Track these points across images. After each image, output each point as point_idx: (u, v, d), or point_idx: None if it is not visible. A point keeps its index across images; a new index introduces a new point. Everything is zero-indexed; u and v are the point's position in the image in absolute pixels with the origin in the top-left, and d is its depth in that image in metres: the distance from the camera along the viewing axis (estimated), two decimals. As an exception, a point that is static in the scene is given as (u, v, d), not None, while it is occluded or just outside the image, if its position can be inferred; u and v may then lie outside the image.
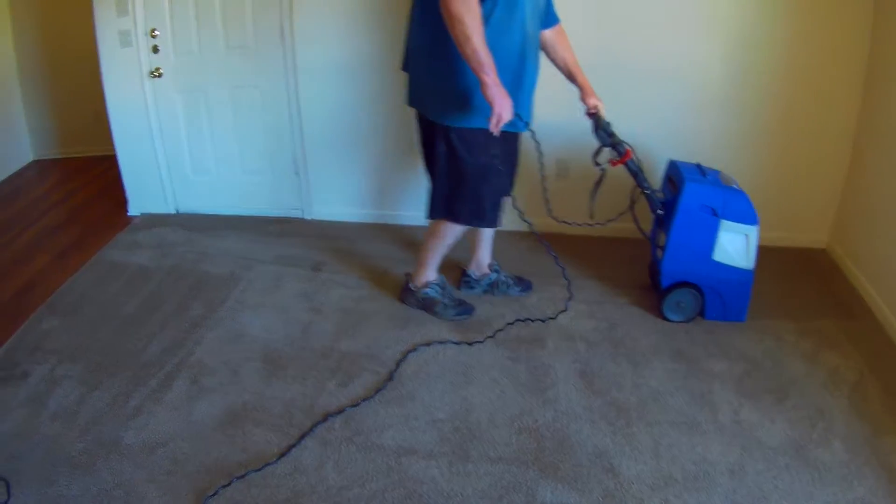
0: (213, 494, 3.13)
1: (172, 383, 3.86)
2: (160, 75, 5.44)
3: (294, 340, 4.25)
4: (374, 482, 3.21)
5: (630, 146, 4.16)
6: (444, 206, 3.98)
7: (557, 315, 4.40)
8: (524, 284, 4.73)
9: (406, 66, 3.91)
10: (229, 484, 3.19)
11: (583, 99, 4.07)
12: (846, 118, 4.99)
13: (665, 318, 4.48)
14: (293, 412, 3.65)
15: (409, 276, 4.55)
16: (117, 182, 5.95)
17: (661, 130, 5.18)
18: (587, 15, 4.90)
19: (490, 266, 4.67)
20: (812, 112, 5.01)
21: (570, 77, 4.07)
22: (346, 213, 5.86)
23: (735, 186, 4.24)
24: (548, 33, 3.92)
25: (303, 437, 3.47)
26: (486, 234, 4.53)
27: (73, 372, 3.95)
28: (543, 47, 3.98)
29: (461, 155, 3.74)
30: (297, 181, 5.75)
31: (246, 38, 5.30)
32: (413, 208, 5.62)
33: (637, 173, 4.21)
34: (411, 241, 5.47)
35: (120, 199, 6.01)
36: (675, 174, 4.39)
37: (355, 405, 3.70)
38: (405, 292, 4.58)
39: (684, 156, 5.02)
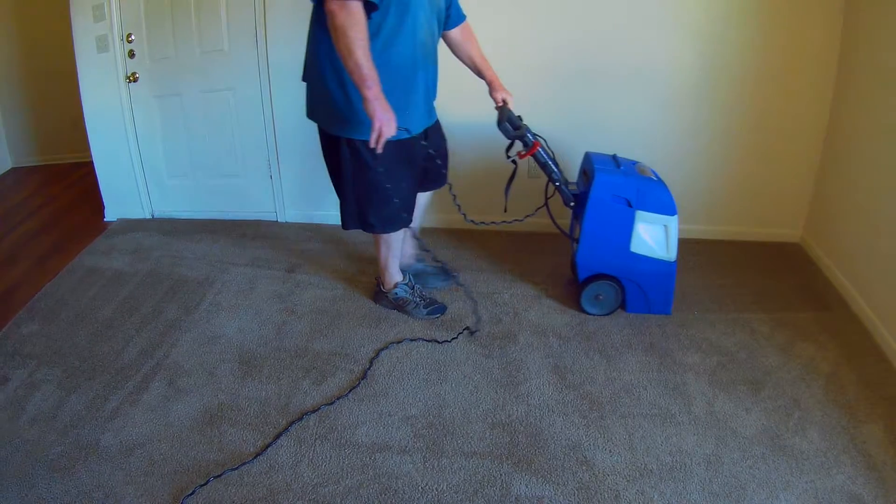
0: (191, 494, 3.14)
1: (149, 385, 3.87)
2: (136, 80, 5.45)
3: (269, 341, 4.26)
4: (349, 478, 3.22)
5: (540, 138, 4.21)
6: (356, 217, 4.00)
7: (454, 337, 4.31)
8: (448, 275, 4.74)
9: (304, 77, 3.85)
10: (206, 483, 3.19)
11: (491, 93, 4.09)
12: (818, 114, 5.02)
13: (584, 312, 4.49)
14: (268, 411, 3.66)
15: (378, 279, 4.57)
16: (95, 188, 5.95)
17: (633, 129, 5.22)
18: (563, 15, 4.94)
19: (415, 257, 4.75)
20: (784, 109, 5.05)
21: (478, 73, 4.09)
22: (319, 216, 5.87)
23: (653, 177, 4.25)
24: (453, 32, 3.95)
25: (278, 435, 3.48)
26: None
27: (51, 376, 3.95)
28: (449, 46, 4.03)
29: (362, 165, 3.74)
30: (270, 184, 5.76)
31: (221, 42, 5.30)
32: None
33: (545, 165, 4.20)
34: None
35: (97, 205, 6.01)
36: (588, 166, 4.36)
37: (329, 403, 3.71)
38: (377, 294, 4.61)
39: (658, 154, 5.08)
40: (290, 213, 5.88)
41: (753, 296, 4.70)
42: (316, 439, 3.46)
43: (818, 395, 3.75)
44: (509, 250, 5.38)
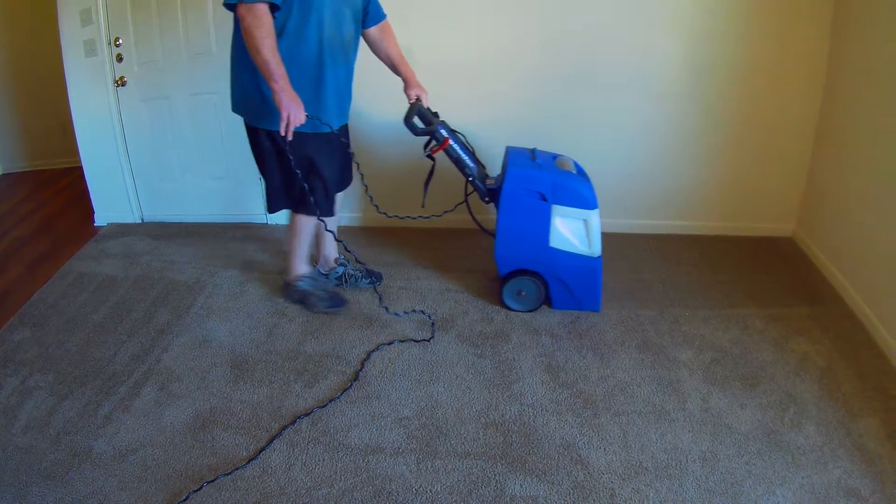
0: (185, 500, 3.12)
1: (141, 390, 3.85)
2: (124, 84, 5.43)
3: (260, 344, 4.25)
4: (343, 481, 3.21)
5: (460, 135, 4.30)
6: (281, 199, 4.20)
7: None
8: (373, 276, 4.81)
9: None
10: (200, 489, 3.18)
11: (405, 90, 4.22)
12: (808, 109, 5.04)
13: (507, 307, 4.49)
14: (261, 415, 3.64)
15: (283, 273, 4.63)
16: (85, 192, 5.93)
17: (624, 126, 5.24)
18: (553, 13, 4.94)
19: (336, 261, 4.78)
20: (775, 104, 5.06)
21: (395, 70, 4.25)
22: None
23: (573, 171, 4.22)
24: (372, 31, 4.13)
25: (271, 439, 3.47)
26: (326, 232, 4.54)
27: (43, 382, 3.93)
28: (368, 44, 4.21)
29: (283, 153, 3.87)
30: (259, 187, 5.73)
31: (208, 45, 5.28)
32: (372, 209, 5.65)
33: (458, 160, 4.25)
34: (372, 242, 5.52)
35: (87, 210, 5.99)
36: (505, 161, 4.35)
37: (322, 406, 3.70)
38: (284, 287, 4.64)
39: (650, 151, 5.11)
40: (279, 215, 5.85)
41: (746, 291, 4.70)
42: (309, 442, 3.44)
43: (813, 390, 3.75)
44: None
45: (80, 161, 5.75)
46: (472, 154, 4.32)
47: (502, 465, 3.29)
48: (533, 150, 4.43)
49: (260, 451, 3.39)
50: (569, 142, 5.24)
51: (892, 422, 3.49)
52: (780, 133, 5.14)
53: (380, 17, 4.14)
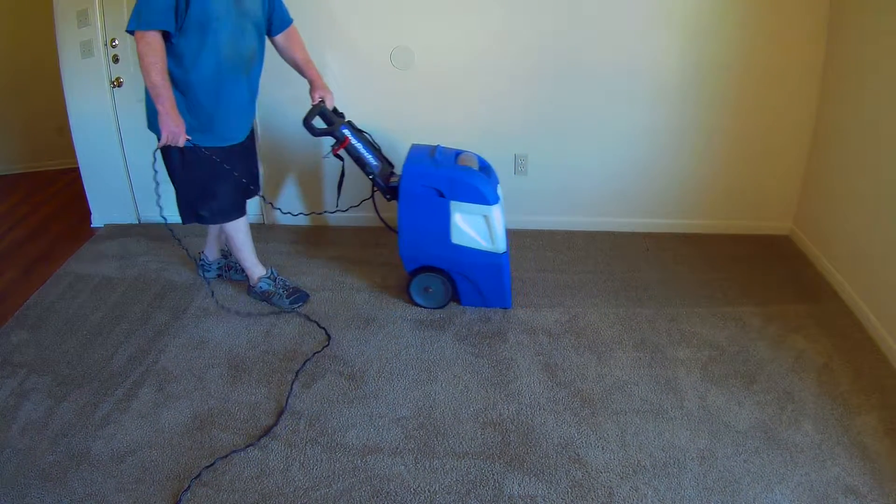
0: (182, 501, 3.13)
1: (139, 392, 3.85)
2: (121, 85, 5.41)
3: (257, 345, 4.25)
4: (341, 481, 3.21)
5: (367, 134, 4.47)
6: (190, 212, 4.32)
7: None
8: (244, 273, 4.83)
9: None
10: (198, 490, 3.18)
11: (310, 92, 4.37)
12: (805, 108, 5.04)
13: (416, 304, 4.56)
14: (258, 415, 3.65)
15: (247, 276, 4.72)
16: (81, 194, 5.92)
17: (621, 126, 5.23)
18: (549, 14, 4.94)
19: (222, 252, 4.95)
20: (771, 103, 5.06)
21: (301, 73, 4.42)
22: (305, 218, 5.87)
23: (474, 167, 4.23)
24: (278, 38, 4.30)
25: (269, 440, 3.47)
26: (215, 231, 4.79)
27: (41, 384, 3.93)
28: (277, 50, 4.39)
29: (188, 166, 4.10)
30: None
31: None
32: (371, 209, 5.64)
33: (358, 159, 4.33)
34: (370, 243, 5.53)
35: (84, 211, 5.98)
36: (405, 158, 4.37)
37: (319, 406, 3.70)
38: (249, 289, 4.74)
39: (647, 151, 5.11)
40: (277, 215, 5.85)
41: (744, 289, 4.70)
42: (306, 443, 3.44)
43: (811, 387, 3.76)
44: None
45: (76, 162, 5.74)
46: (377, 152, 4.41)
47: (500, 464, 3.29)
48: (435, 147, 4.44)
49: (258, 452, 3.40)
50: (566, 141, 5.26)
51: (889, 419, 3.49)
52: (777, 131, 5.14)
53: (285, 24, 4.29)
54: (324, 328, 4.36)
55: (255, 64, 4.12)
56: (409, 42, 5.09)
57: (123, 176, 5.76)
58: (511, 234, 5.37)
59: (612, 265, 5.04)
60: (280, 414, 3.64)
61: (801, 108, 5.04)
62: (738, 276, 4.86)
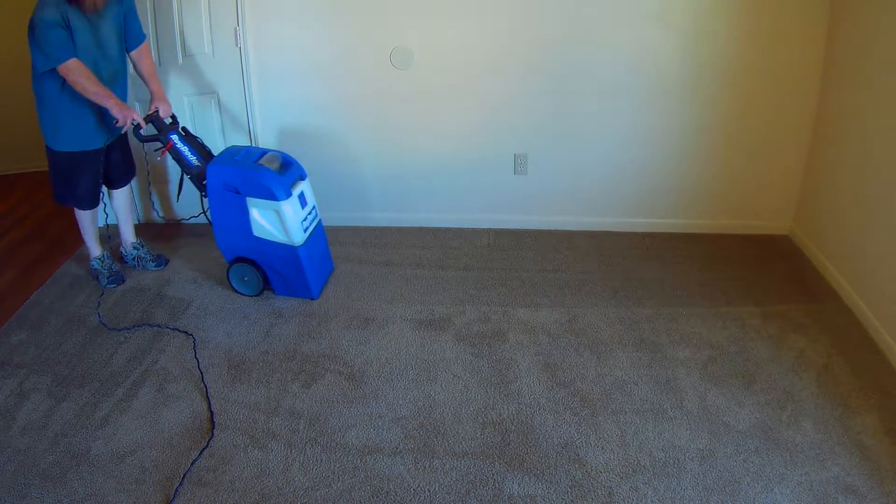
0: (178, 494, 3.15)
1: (138, 392, 3.85)
2: (120, 85, 5.44)
3: (256, 344, 4.26)
4: (341, 482, 3.21)
5: (199, 140, 4.76)
6: (54, 193, 4.76)
7: None
8: (160, 260, 5.27)
9: None
10: (198, 490, 3.18)
11: (150, 103, 4.71)
12: (805, 107, 5.03)
13: (236, 291, 4.81)
14: (258, 415, 3.65)
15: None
16: (82, 194, 5.91)
17: (620, 126, 5.22)
18: (548, 12, 4.93)
19: (133, 244, 5.25)
20: (771, 102, 5.05)
21: (146, 84, 4.79)
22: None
23: (272, 167, 4.43)
24: (132, 54, 4.69)
25: (268, 440, 3.47)
26: (122, 220, 5.19)
27: (41, 384, 3.93)
28: (132, 63, 4.78)
29: (55, 165, 4.61)
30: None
31: (202, 46, 5.27)
32: (371, 209, 5.67)
33: (179, 160, 4.63)
34: (369, 242, 5.54)
35: (85, 212, 5.97)
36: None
37: (319, 406, 3.70)
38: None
39: (647, 151, 5.12)
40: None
41: (743, 289, 4.69)
42: (306, 443, 3.45)
43: (811, 387, 3.75)
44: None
45: (76, 162, 5.73)
46: (203, 155, 4.68)
47: (500, 464, 3.29)
48: (244, 148, 4.67)
49: (257, 452, 3.40)
50: (566, 141, 5.26)
51: (889, 418, 3.49)
52: (776, 131, 5.13)
53: (139, 40, 4.68)
54: (190, 333, 4.43)
55: (117, 82, 4.57)
56: (409, 42, 5.08)
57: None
58: (511, 234, 5.40)
59: (612, 265, 5.04)
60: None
61: (801, 108, 5.03)
62: (738, 276, 4.85)
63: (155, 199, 5.83)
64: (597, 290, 4.73)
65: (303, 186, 4.58)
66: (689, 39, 4.92)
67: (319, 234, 4.80)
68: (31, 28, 4.10)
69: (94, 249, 5.03)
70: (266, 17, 5.13)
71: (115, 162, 4.88)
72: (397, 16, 5.02)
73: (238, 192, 4.38)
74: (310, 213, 4.62)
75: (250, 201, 4.38)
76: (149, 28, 5.24)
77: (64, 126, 4.44)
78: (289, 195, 4.36)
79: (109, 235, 5.16)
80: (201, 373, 3.98)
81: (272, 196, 4.31)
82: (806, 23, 4.79)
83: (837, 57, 4.71)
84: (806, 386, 3.77)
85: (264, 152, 4.53)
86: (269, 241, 4.48)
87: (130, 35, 4.61)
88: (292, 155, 5.33)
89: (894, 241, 3.98)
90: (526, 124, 5.27)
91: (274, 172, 4.36)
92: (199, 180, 4.61)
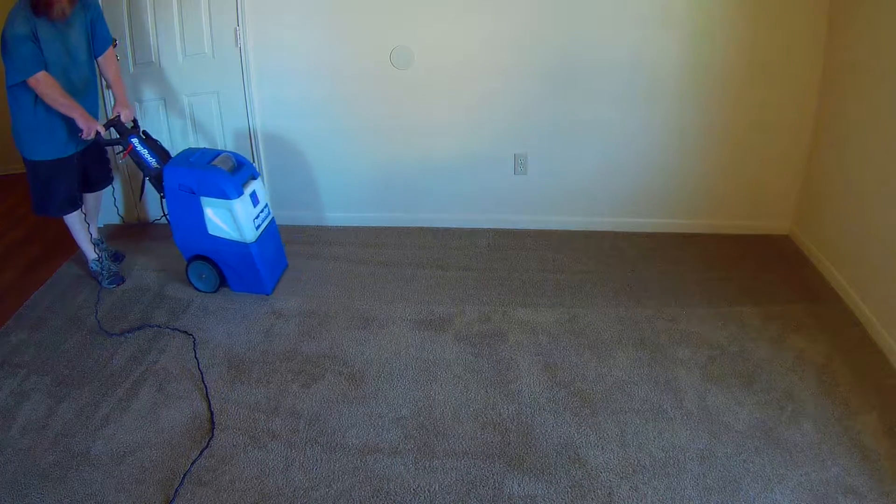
0: (178, 495, 3.15)
1: (139, 392, 3.86)
2: (120, 85, 5.44)
3: (257, 345, 4.26)
4: (341, 481, 3.21)
5: (158, 143, 4.86)
6: (36, 205, 4.82)
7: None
8: (117, 256, 5.28)
9: None
10: (198, 490, 3.19)
11: (113, 107, 4.84)
12: (805, 107, 5.02)
13: (195, 288, 4.90)
14: (258, 415, 3.65)
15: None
16: (81, 195, 5.91)
17: (620, 125, 5.22)
18: (549, 11, 4.93)
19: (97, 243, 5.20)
20: (771, 102, 5.04)
21: (110, 88, 4.98)
22: (303, 217, 5.87)
23: (224, 167, 4.54)
24: (99, 59, 4.81)
25: (268, 440, 3.48)
26: (89, 219, 5.08)
27: (41, 384, 3.94)
28: (98, 68, 4.90)
29: (33, 172, 4.70)
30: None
31: (202, 46, 5.28)
32: (371, 209, 5.67)
33: (139, 163, 4.74)
34: (369, 242, 5.54)
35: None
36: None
37: (319, 406, 3.70)
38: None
39: (646, 150, 5.11)
40: (275, 214, 5.82)
41: (743, 289, 4.69)
42: (306, 443, 3.45)
43: (811, 387, 3.75)
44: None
45: (76, 163, 5.74)
46: (163, 157, 4.78)
47: (500, 464, 3.29)
48: (200, 149, 4.81)
49: (257, 452, 3.40)
50: (566, 141, 5.26)
51: (889, 418, 3.49)
52: (777, 131, 5.13)
53: (105, 47, 4.78)
54: (191, 334, 4.43)
55: (88, 89, 4.71)
56: (409, 42, 5.09)
57: (123, 176, 5.74)
58: (511, 234, 5.40)
59: (612, 265, 5.04)
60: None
61: (801, 108, 5.03)
62: (738, 276, 4.84)
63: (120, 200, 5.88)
64: (597, 290, 4.73)
65: (255, 185, 4.71)
66: (690, 40, 4.91)
67: (272, 232, 4.93)
68: (3, 43, 4.21)
69: (90, 253, 5.08)
70: (266, 17, 5.13)
71: (90, 167, 4.97)
72: (397, 16, 5.03)
73: (193, 192, 4.51)
74: (262, 212, 4.75)
75: (205, 200, 4.51)
76: (149, 28, 5.25)
77: (39, 136, 4.55)
78: (240, 194, 4.49)
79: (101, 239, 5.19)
80: (201, 373, 3.99)
81: (224, 195, 4.44)
82: (806, 23, 4.78)
83: (837, 57, 4.71)
84: (806, 386, 3.76)
85: (218, 153, 4.67)
86: (223, 238, 4.61)
87: (98, 41, 4.72)
88: (293, 153, 5.35)
89: (894, 241, 3.98)
90: (526, 124, 5.27)
91: (226, 172, 4.48)
92: (158, 182, 4.73)
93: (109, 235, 5.47)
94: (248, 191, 4.58)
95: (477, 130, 5.32)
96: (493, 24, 5.01)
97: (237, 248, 4.60)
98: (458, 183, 5.51)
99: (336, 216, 5.73)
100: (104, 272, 5.01)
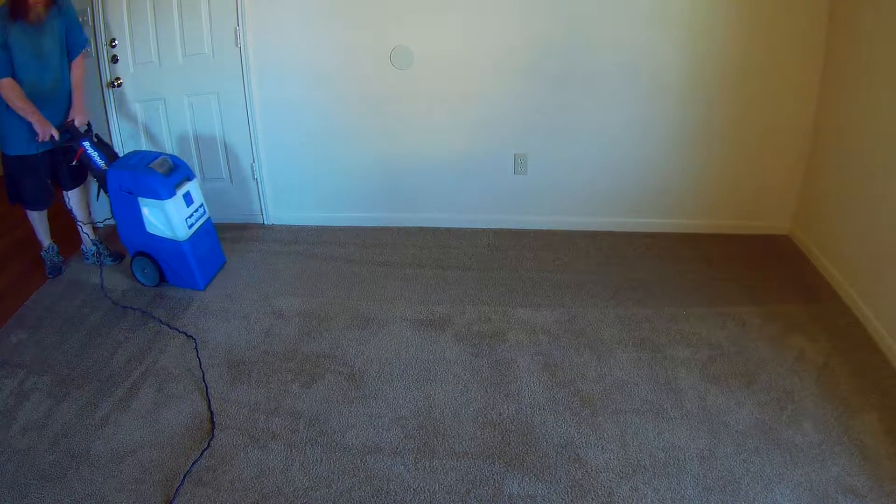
0: (178, 495, 3.15)
1: (139, 392, 3.85)
2: (120, 85, 5.41)
3: (256, 345, 4.26)
4: (341, 481, 3.21)
5: (110, 147, 5.05)
6: (7, 193, 5.02)
7: None
8: (115, 255, 5.43)
9: None
10: (198, 490, 3.18)
11: (69, 113, 4.97)
12: (805, 107, 5.02)
13: (139, 282, 5.06)
14: (257, 415, 3.65)
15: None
16: (81, 194, 5.91)
17: (619, 125, 5.22)
18: (547, 11, 4.93)
19: (92, 241, 5.41)
20: (770, 102, 5.04)
21: (71, 91, 5.02)
22: (304, 217, 5.87)
23: (159, 170, 4.70)
24: (72, 63, 4.93)
25: (268, 440, 3.48)
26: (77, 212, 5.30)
27: (41, 384, 3.94)
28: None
29: (8, 168, 4.90)
30: (255, 187, 5.75)
31: (203, 46, 5.27)
32: (371, 209, 5.66)
33: (88, 164, 4.91)
34: (369, 242, 5.53)
35: (84, 212, 5.97)
36: None
37: (319, 406, 3.70)
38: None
39: (646, 150, 5.10)
40: (275, 214, 5.86)
41: (743, 289, 4.69)
42: (306, 443, 3.45)
43: (811, 387, 3.75)
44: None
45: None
46: (112, 160, 4.92)
47: (500, 464, 3.29)
48: (141, 152, 4.98)
49: (257, 452, 3.40)
50: (566, 141, 5.26)
51: (889, 418, 3.49)
52: (776, 131, 5.13)
53: (77, 51, 4.91)
54: (191, 335, 4.42)
55: (58, 92, 4.84)
56: (409, 42, 5.08)
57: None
58: (511, 234, 5.40)
59: (612, 265, 5.04)
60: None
61: (801, 108, 5.03)
62: (738, 276, 4.84)
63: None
64: (597, 290, 4.72)
65: (189, 186, 4.87)
66: (690, 40, 4.91)
67: (207, 230, 5.07)
68: None
69: (45, 241, 5.26)
70: (266, 17, 5.12)
71: (60, 167, 5.04)
72: (397, 16, 5.02)
73: (131, 193, 4.72)
74: (196, 211, 4.91)
75: (142, 201, 4.72)
76: (149, 28, 5.25)
77: (10, 132, 4.71)
78: (172, 194, 4.68)
79: (100, 240, 5.33)
80: (202, 372, 3.98)
81: (157, 196, 4.64)
82: (806, 23, 4.78)
83: (837, 57, 4.71)
84: (806, 386, 3.76)
85: (157, 156, 4.84)
86: (158, 236, 4.81)
87: (71, 45, 4.86)
88: (293, 153, 5.36)
89: (894, 240, 3.98)
90: (526, 124, 5.27)
91: (160, 174, 4.67)
92: (103, 183, 4.92)
93: (109, 236, 5.47)
94: (181, 192, 4.76)
95: (477, 130, 5.32)
96: (493, 25, 5.01)
97: (172, 245, 4.80)
98: (458, 183, 5.51)
99: (336, 216, 5.73)
100: (47, 261, 5.25)
